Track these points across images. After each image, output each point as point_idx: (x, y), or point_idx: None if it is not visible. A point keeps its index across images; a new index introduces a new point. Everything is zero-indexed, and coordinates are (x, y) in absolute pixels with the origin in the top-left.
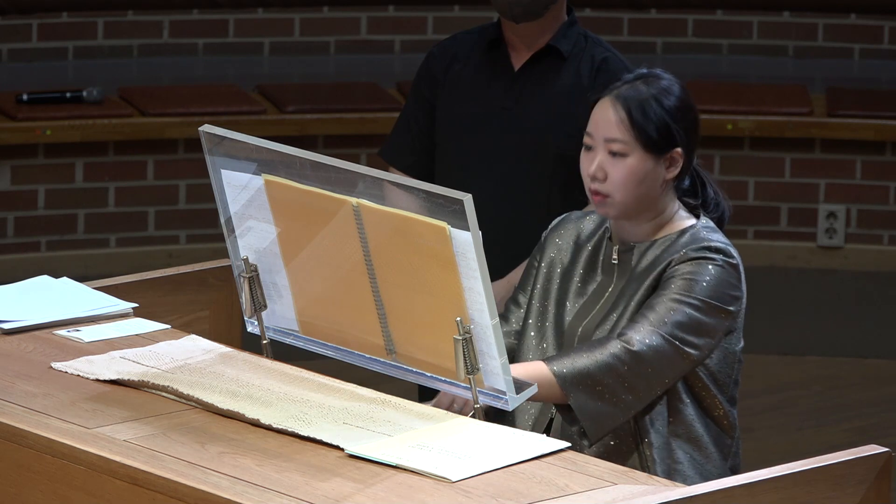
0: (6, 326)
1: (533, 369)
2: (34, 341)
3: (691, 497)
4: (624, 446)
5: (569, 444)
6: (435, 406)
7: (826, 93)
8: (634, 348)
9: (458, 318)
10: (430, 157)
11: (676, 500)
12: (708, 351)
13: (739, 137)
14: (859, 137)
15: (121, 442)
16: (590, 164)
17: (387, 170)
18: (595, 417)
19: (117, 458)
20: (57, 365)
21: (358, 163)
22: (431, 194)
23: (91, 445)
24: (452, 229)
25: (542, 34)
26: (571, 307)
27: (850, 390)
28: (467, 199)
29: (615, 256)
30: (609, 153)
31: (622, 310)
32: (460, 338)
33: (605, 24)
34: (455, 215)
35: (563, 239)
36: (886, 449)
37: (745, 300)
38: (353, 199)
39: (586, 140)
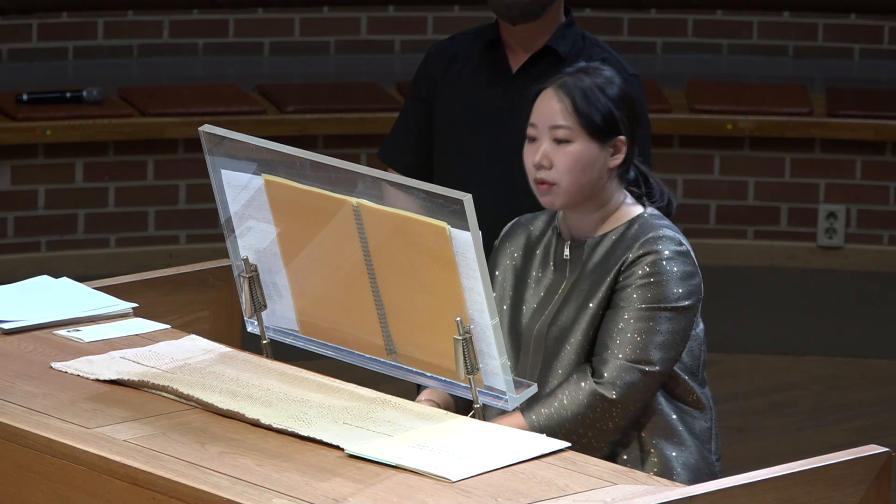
0: (6, 326)
1: (509, 422)
2: (34, 341)
3: (691, 497)
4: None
5: (569, 444)
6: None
7: (826, 93)
8: (613, 397)
9: (458, 318)
10: (429, 157)
11: (676, 500)
12: (679, 355)
13: (739, 137)
14: (859, 137)
15: (121, 442)
16: (534, 154)
17: (385, 170)
18: None
19: (117, 458)
20: (57, 365)
21: (358, 163)
22: (431, 194)
23: (91, 445)
24: (452, 229)
25: (539, 35)
26: (528, 309)
27: (850, 390)
28: (467, 199)
29: (566, 252)
30: (553, 141)
31: (575, 306)
32: (460, 338)
33: (605, 24)
34: (455, 215)
35: (513, 244)
36: (886, 449)
37: (701, 283)
38: (353, 199)
39: (530, 131)
